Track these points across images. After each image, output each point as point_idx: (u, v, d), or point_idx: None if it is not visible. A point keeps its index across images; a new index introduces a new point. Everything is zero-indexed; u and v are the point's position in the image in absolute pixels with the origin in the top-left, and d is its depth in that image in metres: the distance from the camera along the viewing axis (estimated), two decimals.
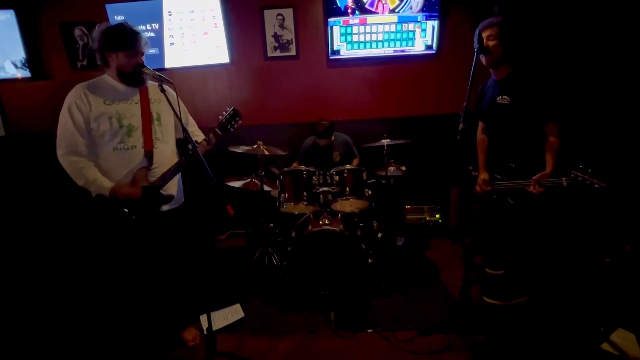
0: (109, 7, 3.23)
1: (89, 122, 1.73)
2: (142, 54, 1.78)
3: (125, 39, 1.72)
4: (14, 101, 3.10)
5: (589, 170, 1.76)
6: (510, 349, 1.95)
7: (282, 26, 3.35)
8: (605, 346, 1.84)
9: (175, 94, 1.73)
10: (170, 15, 3.28)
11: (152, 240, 1.87)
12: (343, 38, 3.30)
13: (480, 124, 2.31)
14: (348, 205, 2.63)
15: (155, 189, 1.83)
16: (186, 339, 2.12)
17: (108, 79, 1.80)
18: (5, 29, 3.27)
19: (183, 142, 1.79)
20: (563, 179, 1.84)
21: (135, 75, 1.78)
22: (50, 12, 3.32)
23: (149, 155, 1.83)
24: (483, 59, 1.95)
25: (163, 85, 1.72)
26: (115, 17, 3.25)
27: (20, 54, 3.34)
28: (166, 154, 1.91)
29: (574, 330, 2.01)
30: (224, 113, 1.98)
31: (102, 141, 1.76)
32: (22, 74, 3.39)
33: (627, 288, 2.21)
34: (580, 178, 1.77)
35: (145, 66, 1.75)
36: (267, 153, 2.69)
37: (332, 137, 3.13)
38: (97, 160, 1.78)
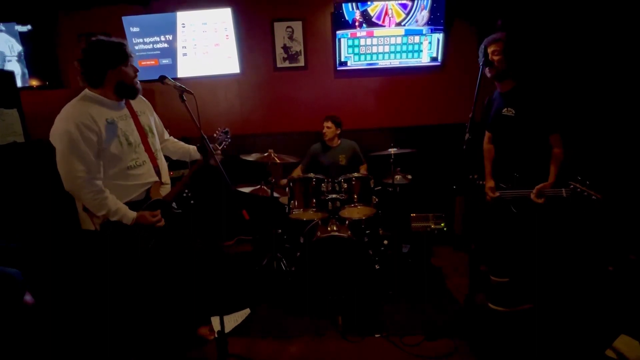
0: (125, 19, 3.35)
1: (101, 143, 1.64)
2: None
3: (124, 50, 1.69)
4: (32, 108, 3.20)
5: (587, 182, 1.82)
6: (515, 354, 1.99)
7: (291, 38, 3.46)
8: (609, 352, 1.87)
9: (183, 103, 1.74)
10: (183, 27, 3.40)
11: (162, 242, 1.87)
12: (350, 50, 3.40)
13: (487, 134, 2.37)
14: (356, 212, 2.69)
15: (167, 203, 1.86)
16: (204, 334, 2.20)
17: (94, 95, 1.69)
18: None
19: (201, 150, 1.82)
20: (562, 189, 1.91)
21: (134, 87, 1.75)
22: (69, 24, 3.44)
23: (156, 169, 1.86)
24: (488, 72, 2.03)
25: (183, 95, 1.76)
26: (131, 29, 3.37)
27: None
28: (165, 163, 1.95)
29: (577, 336, 2.05)
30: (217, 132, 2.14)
31: (115, 161, 1.70)
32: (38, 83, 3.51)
33: (630, 295, 2.25)
34: (578, 189, 1.84)
35: (167, 77, 1.77)
36: (277, 161, 2.75)
37: (340, 141, 3.27)
38: (112, 181, 1.71)
